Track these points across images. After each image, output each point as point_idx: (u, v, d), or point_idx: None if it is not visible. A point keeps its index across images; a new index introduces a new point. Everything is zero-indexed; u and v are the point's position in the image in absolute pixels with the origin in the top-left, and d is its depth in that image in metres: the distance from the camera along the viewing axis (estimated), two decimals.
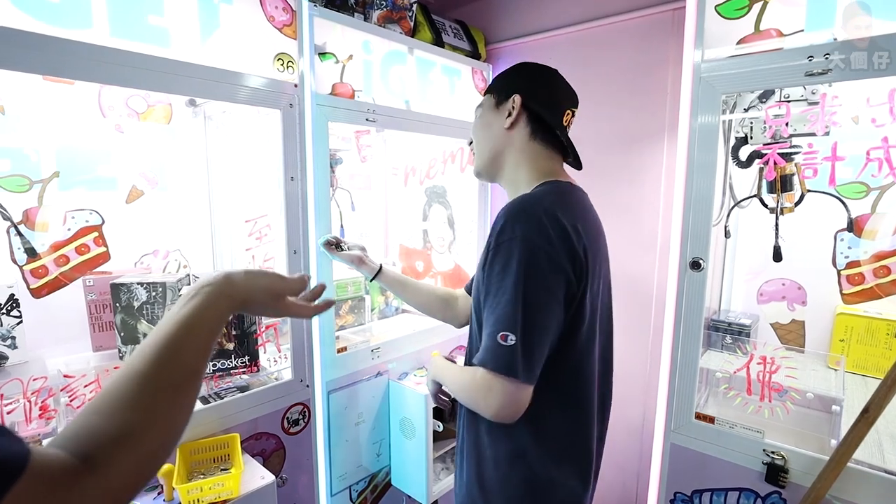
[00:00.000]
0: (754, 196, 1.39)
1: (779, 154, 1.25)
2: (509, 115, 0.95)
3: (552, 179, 0.93)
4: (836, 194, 1.33)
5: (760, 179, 1.37)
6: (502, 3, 2.13)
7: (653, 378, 1.83)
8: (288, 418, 1.44)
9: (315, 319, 1.44)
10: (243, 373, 1.37)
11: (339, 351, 1.53)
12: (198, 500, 1.06)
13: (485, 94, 1.03)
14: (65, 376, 1.08)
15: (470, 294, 1.20)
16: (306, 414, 1.48)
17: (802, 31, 1.13)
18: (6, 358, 1.14)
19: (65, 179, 1.28)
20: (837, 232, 1.39)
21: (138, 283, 1.23)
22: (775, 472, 1.17)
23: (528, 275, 0.78)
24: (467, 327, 1.05)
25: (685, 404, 1.32)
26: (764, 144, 1.31)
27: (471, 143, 1.06)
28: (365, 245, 1.45)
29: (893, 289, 1.33)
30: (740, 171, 1.47)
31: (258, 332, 1.40)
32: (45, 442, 1.03)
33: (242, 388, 1.35)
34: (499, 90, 0.98)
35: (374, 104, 1.57)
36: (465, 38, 2.03)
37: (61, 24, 0.98)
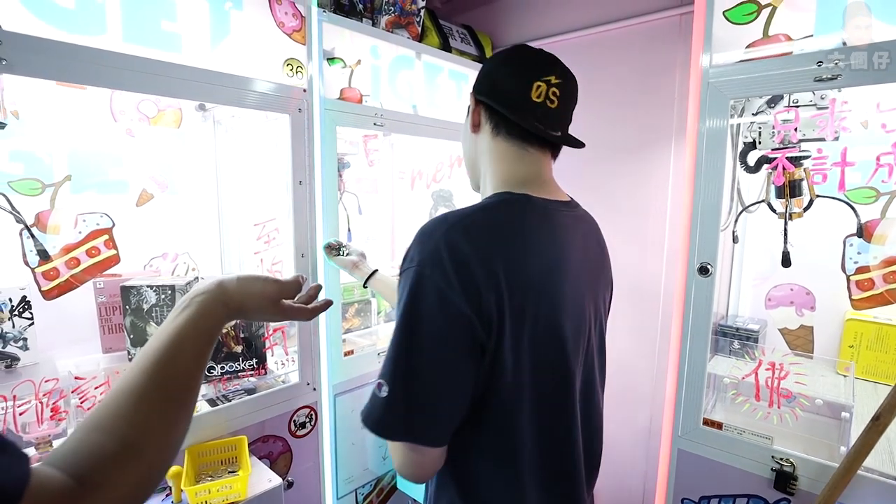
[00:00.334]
0: (762, 201, 1.39)
1: (787, 159, 1.24)
2: (468, 115, 0.83)
3: (505, 190, 0.75)
4: (846, 199, 1.32)
5: (769, 184, 1.36)
6: (509, 8, 2.14)
7: (660, 383, 1.83)
8: (295, 421, 1.44)
9: (322, 322, 1.45)
10: (251, 375, 1.38)
11: (345, 354, 1.54)
12: (205, 503, 1.06)
13: None
14: (76, 378, 1.09)
15: None
16: (313, 417, 1.49)
17: (811, 36, 1.12)
18: (18, 359, 1.15)
19: (76, 183, 1.30)
20: (847, 237, 1.38)
21: (147, 286, 1.24)
22: (784, 479, 1.16)
23: (415, 316, 0.64)
24: None
25: (693, 410, 1.31)
26: (772, 149, 1.31)
27: None
28: (366, 251, 1.46)
29: None
30: (748, 176, 1.46)
31: (266, 335, 1.40)
32: (54, 443, 1.04)
33: (250, 391, 1.36)
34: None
35: (381, 108, 1.58)
36: (473, 43, 2.04)
37: (76, 31, 0.99)
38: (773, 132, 1.30)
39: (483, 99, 0.79)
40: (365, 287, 1.42)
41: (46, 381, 1.02)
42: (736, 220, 1.50)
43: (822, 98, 1.20)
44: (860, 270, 1.38)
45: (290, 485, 1.42)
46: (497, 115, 0.77)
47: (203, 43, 1.19)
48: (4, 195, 1.14)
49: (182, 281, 1.30)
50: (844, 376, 1.37)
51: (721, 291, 1.62)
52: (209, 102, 1.44)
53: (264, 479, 1.18)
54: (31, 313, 1.16)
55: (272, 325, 1.42)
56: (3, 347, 1.13)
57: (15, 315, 1.15)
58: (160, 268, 1.50)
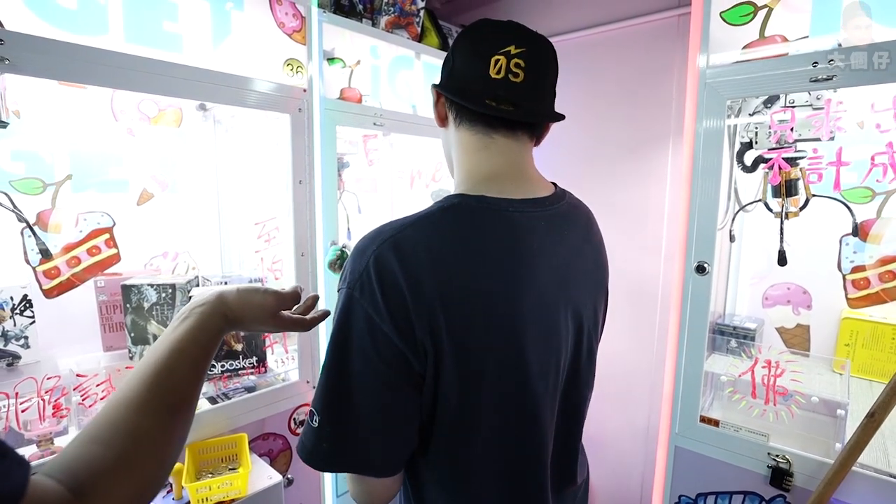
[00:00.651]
0: (759, 200, 1.40)
1: (784, 159, 1.26)
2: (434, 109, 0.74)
3: (460, 192, 0.67)
4: (842, 199, 1.33)
5: (765, 184, 1.37)
6: (508, 8, 2.15)
7: (657, 381, 1.84)
8: (295, 419, 1.45)
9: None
10: (251, 374, 1.38)
11: None
12: (206, 499, 1.07)
13: None
14: (77, 375, 1.10)
15: None
16: (313, 415, 1.49)
17: (807, 37, 1.13)
18: (19, 357, 1.16)
19: (77, 182, 1.30)
20: (843, 236, 1.40)
21: (148, 285, 1.24)
22: (780, 476, 1.18)
23: (345, 344, 0.59)
24: None
25: (690, 407, 1.32)
26: (769, 149, 1.32)
27: None
28: None
29: None
30: (745, 176, 1.47)
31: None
32: (56, 440, 1.04)
33: (250, 389, 1.36)
34: None
35: (381, 108, 1.59)
36: None
37: (78, 31, 1.00)
38: (770, 132, 1.31)
39: (438, 88, 0.70)
40: None
41: (48, 379, 1.02)
42: (733, 220, 1.52)
43: (818, 98, 1.21)
44: (856, 269, 1.39)
45: (290, 482, 1.43)
46: (456, 103, 0.69)
47: (204, 43, 1.20)
48: (6, 194, 1.14)
49: (182, 280, 1.30)
50: (840, 374, 1.38)
51: (718, 290, 1.63)
52: (210, 102, 1.44)
53: (264, 476, 1.19)
54: (32, 312, 1.17)
55: None
56: (5, 346, 1.14)
57: (16, 313, 1.15)
58: (161, 266, 1.51)
